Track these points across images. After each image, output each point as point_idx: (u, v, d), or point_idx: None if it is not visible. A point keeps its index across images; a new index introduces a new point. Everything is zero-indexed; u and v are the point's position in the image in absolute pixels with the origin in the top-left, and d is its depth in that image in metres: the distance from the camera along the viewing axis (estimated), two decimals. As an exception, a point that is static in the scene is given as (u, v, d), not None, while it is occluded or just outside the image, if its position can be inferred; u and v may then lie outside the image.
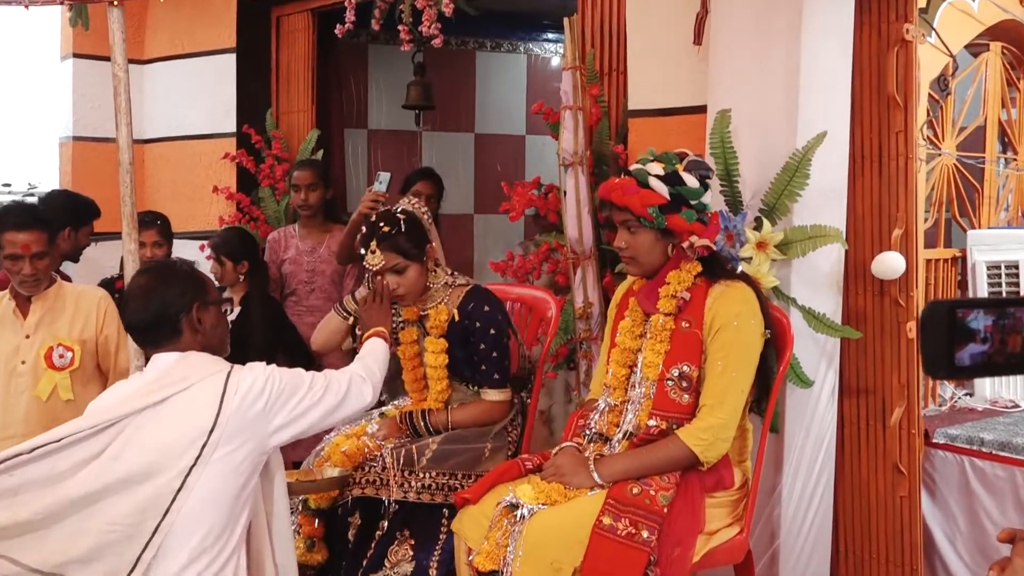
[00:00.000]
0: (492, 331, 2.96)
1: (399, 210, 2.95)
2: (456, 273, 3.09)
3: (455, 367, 3.02)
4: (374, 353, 2.60)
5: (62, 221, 3.98)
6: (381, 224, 2.88)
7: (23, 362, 3.30)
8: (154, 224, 4.15)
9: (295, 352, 3.97)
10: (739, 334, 2.44)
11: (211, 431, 2.09)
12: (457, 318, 2.97)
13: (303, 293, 4.38)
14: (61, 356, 3.31)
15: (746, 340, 2.45)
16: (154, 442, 2.08)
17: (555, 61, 6.61)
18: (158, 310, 2.23)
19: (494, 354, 2.97)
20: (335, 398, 2.31)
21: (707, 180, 2.52)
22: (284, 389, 2.21)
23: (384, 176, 3.92)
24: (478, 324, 2.96)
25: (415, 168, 4.76)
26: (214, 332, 2.32)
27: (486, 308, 2.98)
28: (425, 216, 2.99)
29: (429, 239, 2.97)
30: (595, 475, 2.44)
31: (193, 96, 5.22)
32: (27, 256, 3.25)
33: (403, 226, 2.88)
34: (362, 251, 2.90)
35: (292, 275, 4.40)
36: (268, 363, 2.27)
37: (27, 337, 3.32)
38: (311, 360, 3.85)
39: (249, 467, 2.15)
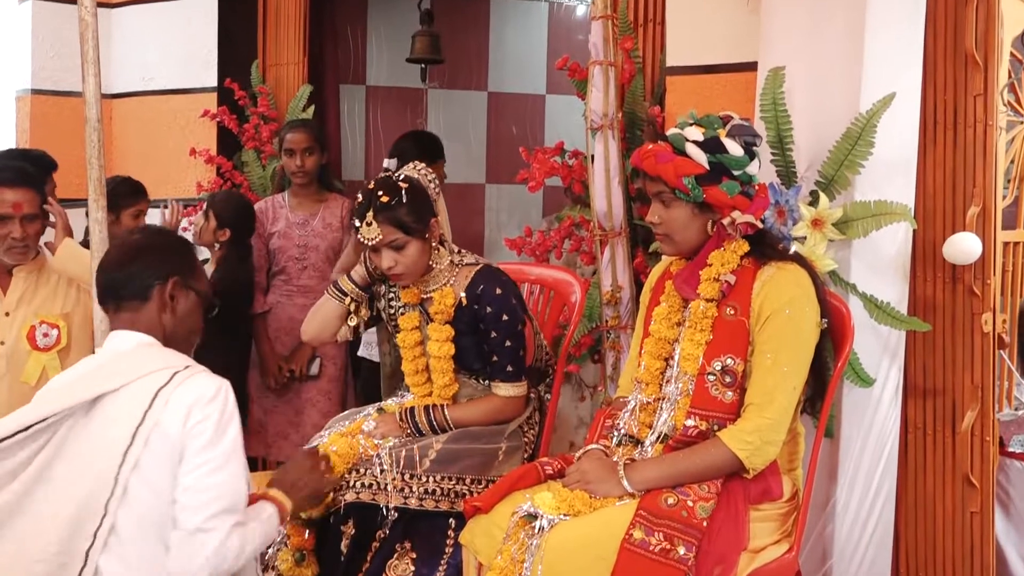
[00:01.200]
0: (505, 317, 2.95)
1: (401, 177, 2.92)
2: (463, 251, 3.07)
3: (462, 358, 3.01)
4: (259, 520, 2.29)
5: None
6: (380, 193, 2.85)
7: (1, 343, 3.30)
8: (139, 194, 4.16)
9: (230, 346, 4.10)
10: (792, 323, 2.42)
11: (126, 452, 2.05)
12: (465, 302, 2.96)
13: (294, 271, 4.39)
14: (45, 335, 3.31)
15: (799, 330, 2.44)
16: (80, 457, 2.05)
17: (581, 10, 6.57)
18: (134, 268, 2.27)
19: (507, 343, 2.96)
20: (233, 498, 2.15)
21: (753, 148, 2.51)
22: (216, 431, 2.11)
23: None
24: (489, 309, 2.94)
25: (420, 130, 4.75)
26: (183, 320, 2.32)
27: (498, 291, 2.96)
28: (432, 186, 2.96)
29: (434, 212, 2.95)
30: (624, 482, 2.43)
31: (168, 45, 5.20)
32: (18, 217, 3.22)
33: (404, 196, 2.84)
34: (356, 222, 2.88)
35: (281, 251, 4.41)
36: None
37: (6, 315, 3.31)
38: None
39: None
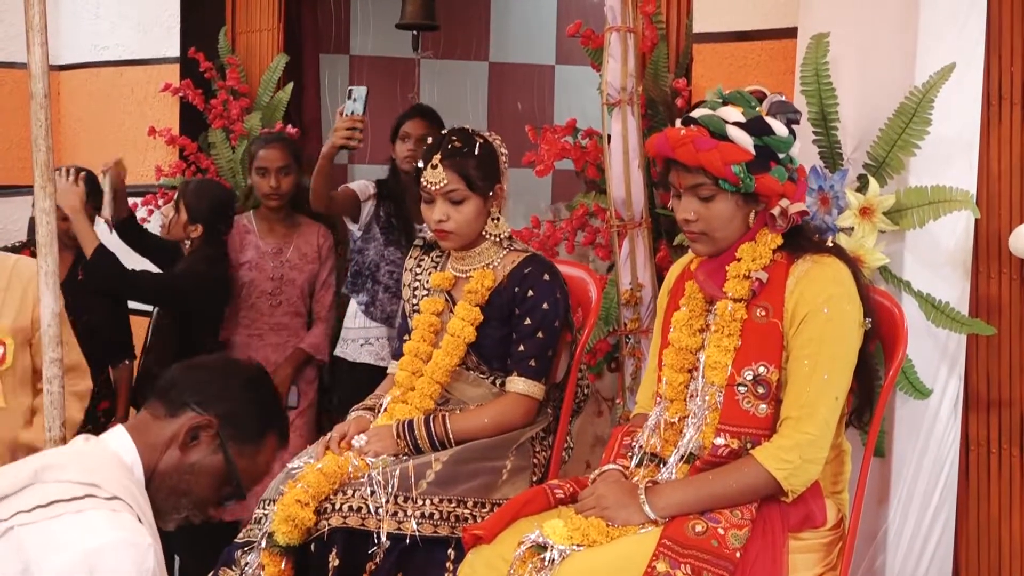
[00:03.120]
0: (545, 306, 3.03)
1: (476, 131, 3.08)
2: (516, 239, 3.18)
3: (482, 349, 3.07)
4: None
5: None
6: (453, 138, 3.01)
7: None
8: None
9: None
10: (831, 324, 2.43)
11: None
12: (505, 283, 3.05)
13: (265, 308, 4.46)
14: None
15: (840, 332, 2.44)
16: None
17: (596, -31, 6.57)
18: (196, 375, 2.14)
19: (540, 334, 3.03)
20: None
21: (794, 126, 2.52)
22: None
23: (359, 92, 3.91)
24: (530, 293, 3.03)
25: (411, 105, 4.76)
26: (185, 473, 2.09)
27: (545, 277, 3.06)
28: (504, 156, 3.10)
29: (501, 181, 3.07)
30: (646, 507, 2.44)
31: (124, 9, 5.21)
32: None
33: (478, 149, 3.00)
34: (419, 165, 3.01)
35: (253, 285, 4.46)
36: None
37: None
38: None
39: None
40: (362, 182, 4.46)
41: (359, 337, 4.47)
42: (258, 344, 4.43)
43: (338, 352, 4.52)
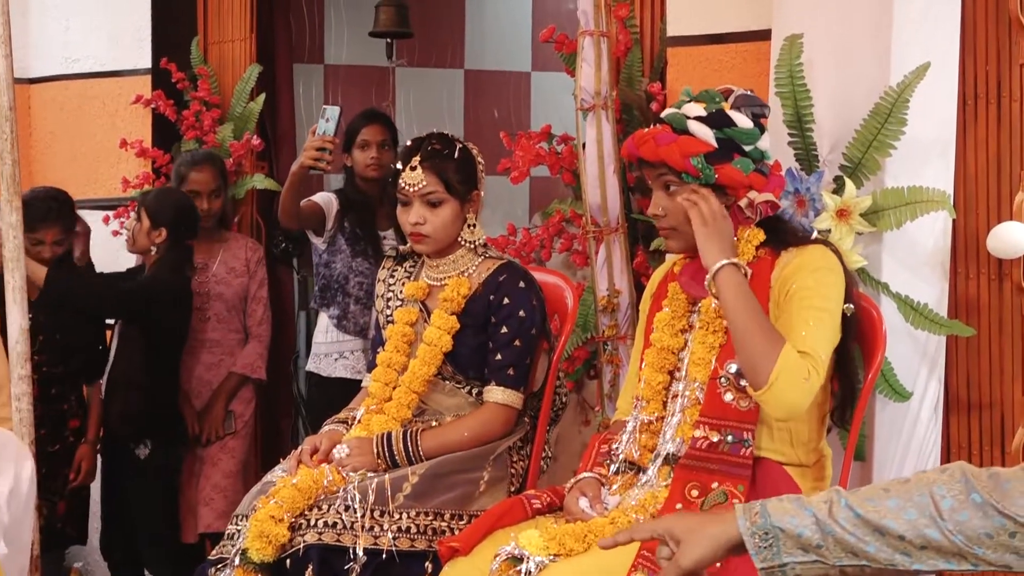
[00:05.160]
0: (521, 313, 3.02)
1: (455, 136, 3.09)
2: (492, 247, 3.19)
3: (458, 358, 3.04)
4: None
5: None
6: (433, 141, 3.02)
7: None
8: (58, 218, 4.09)
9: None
10: (819, 286, 2.42)
11: None
12: (480, 291, 3.04)
13: (195, 324, 4.41)
14: None
15: (827, 293, 2.43)
16: None
17: (571, -26, 6.57)
18: None
19: (516, 342, 3.01)
20: None
21: (761, 120, 2.52)
22: None
23: (332, 112, 3.92)
24: (506, 300, 3.02)
25: (363, 111, 4.72)
26: None
27: (521, 284, 3.05)
28: (481, 165, 3.11)
29: (478, 187, 3.08)
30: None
31: (94, 21, 5.15)
32: None
33: (457, 153, 3.01)
34: (397, 166, 3.01)
35: None
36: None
37: None
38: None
39: None
40: (326, 195, 4.42)
41: (332, 351, 4.45)
42: (191, 363, 4.39)
43: (310, 367, 4.50)
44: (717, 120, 2.47)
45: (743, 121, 2.47)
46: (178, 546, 4.33)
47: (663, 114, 2.54)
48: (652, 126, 2.54)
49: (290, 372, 5.22)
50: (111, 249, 4.78)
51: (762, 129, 2.51)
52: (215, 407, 4.42)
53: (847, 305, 2.46)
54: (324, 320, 4.43)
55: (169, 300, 4.13)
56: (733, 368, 2.44)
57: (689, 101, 2.53)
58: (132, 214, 4.24)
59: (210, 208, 4.42)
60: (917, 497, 1.59)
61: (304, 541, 2.79)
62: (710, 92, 2.52)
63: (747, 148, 2.47)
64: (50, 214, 4.02)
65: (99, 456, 4.28)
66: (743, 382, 2.41)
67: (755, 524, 1.68)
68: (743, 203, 2.48)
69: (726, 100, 2.51)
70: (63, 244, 4.11)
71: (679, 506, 2.41)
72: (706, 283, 2.42)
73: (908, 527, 1.58)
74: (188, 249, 4.26)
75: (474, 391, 3.07)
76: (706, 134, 2.45)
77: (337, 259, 4.35)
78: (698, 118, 2.47)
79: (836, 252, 2.53)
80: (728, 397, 2.45)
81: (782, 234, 2.53)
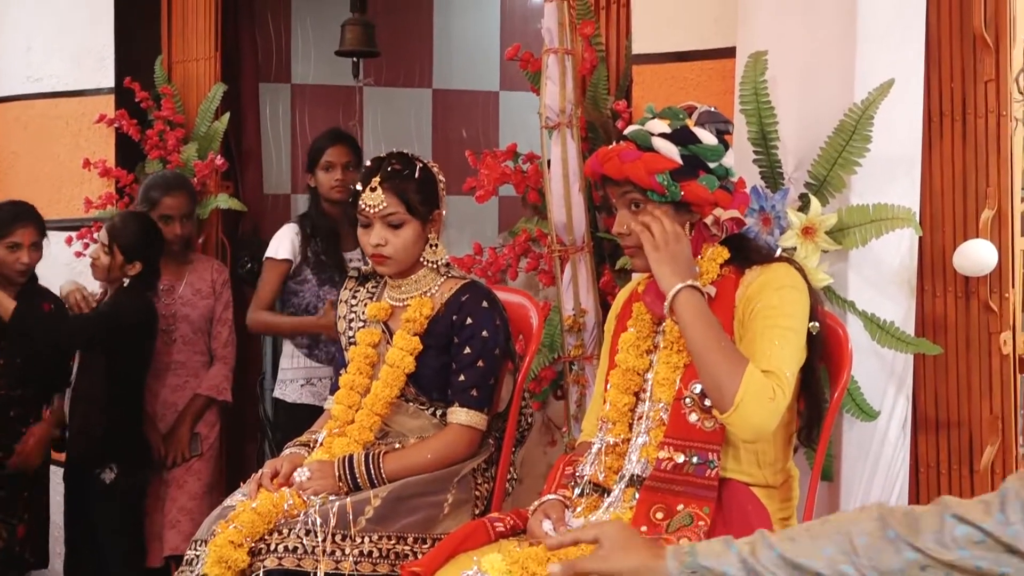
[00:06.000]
0: (484, 333, 3.00)
1: (415, 155, 3.08)
2: (454, 266, 3.17)
3: (421, 379, 3.02)
4: None
5: None
6: (393, 161, 3.01)
7: None
8: (32, 218, 4.11)
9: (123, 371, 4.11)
10: (784, 301, 2.40)
11: None
12: (443, 312, 3.02)
13: (161, 346, 4.39)
14: None
15: (793, 308, 2.41)
16: None
17: (539, -7, 6.57)
18: None
19: (480, 363, 2.99)
20: None
21: (726, 137, 2.52)
22: None
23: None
24: (469, 320, 3.00)
25: (326, 131, 4.72)
26: None
27: (484, 304, 3.03)
28: (442, 184, 3.10)
29: (440, 206, 3.08)
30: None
31: (57, 40, 5.13)
32: None
33: (418, 172, 3.00)
34: (357, 187, 3.00)
35: None
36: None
37: None
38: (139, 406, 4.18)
39: None
40: (287, 236, 4.40)
41: (299, 377, 4.43)
42: (156, 385, 4.37)
43: (276, 394, 4.46)
44: (681, 137, 2.46)
45: (708, 138, 2.46)
46: (144, 570, 4.29)
47: (626, 131, 2.53)
48: (616, 143, 2.52)
49: (256, 393, 5.19)
50: (74, 271, 4.76)
51: (726, 146, 2.50)
52: (180, 429, 4.39)
53: (812, 324, 2.45)
54: (289, 346, 4.40)
55: (134, 326, 4.09)
56: (698, 388, 2.42)
57: (653, 118, 2.51)
58: (96, 243, 4.19)
59: (182, 232, 4.41)
60: (835, 536, 1.66)
61: (264, 566, 2.76)
62: (673, 109, 2.52)
63: (712, 165, 2.46)
64: (22, 215, 4.06)
65: (63, 480, 4.24)
66: (708, 402, 2.39)
67: (683, 563, 1.75)
68: (709, 220, 2.47)
69: (690, 117, 2.51)
70: (39, 249, 4.11)
71: (644, 528, 2.38)
72: (664, 309, 2.40)
73: (825, 564, 1.65)
74: (155, 272, 4.23)
75: (438, 412, 3.04)
76: (671, 151, 2.44)
77: (304, 288, 4.34)
78: (662, 135, 2.46)
79: (800, 270, 2.52)
80: (693, 418, 2.42)
81: (746, 252, 2.52)
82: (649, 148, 2.45)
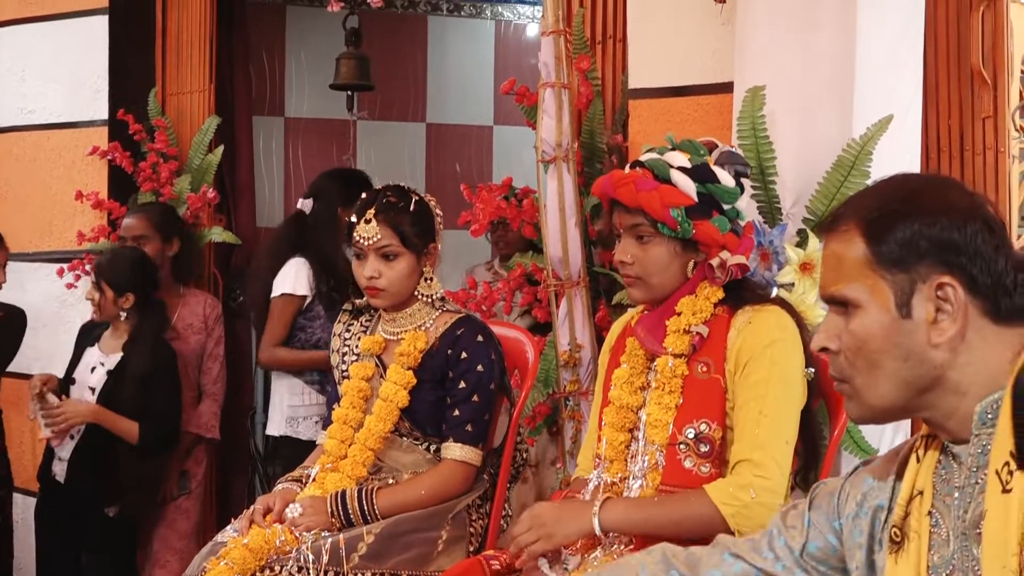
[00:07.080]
0: (479, 368, 2.97)
1: (411, 188, 3.06)
2: (449, 300, 3.14)
3: (415, 414, 2.99)
4: None
5: None
6: (388, 194, 3.00)
7: None
8: None
9: (159, 423, 4.09)
10: (776, 368, 2.38)
11: None
12: (437, 346, 2.99)
13: None
14: None
15: (785, 376, 2.39)
16: None
17: (532, 29, 6.60)
18: None
19: (475, 398, 2.96)
20: None
21: (743, 180, 2.50)
22: None
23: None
24: (464, 355, 2.97)
25: (346, 167, 4.74)
26: None
27: (479, 338, 3.00)
28: (439, 218, 3.08)
29: (435, 239, 3.05)
30: (595, 520, 2.34)
31: (51, 72, 5.14)
32: None
33: (413, 205, 2.98)
34: (353, 218, 2.97)
35: None
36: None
37: None
38: (175, 439, 4.12)
39: None
40: (302, 272, 4.33)
41: (312, 414, 4.37)
42: None
43: (286, 432, 4.40)
44: (701, 174, 2.43)
45: (726, 179, 2.44)
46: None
47: (643, 158, 2.49)
48: (631, 169, 2.49)
49: (246, 429, 5.15)
50: (67, 303, 4.75)
51: (743, 188, 2.48)
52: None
53: (807, 370, 2.43)
54: (298, 383, 4.35)
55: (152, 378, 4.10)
56: (691, 433, 2.39)
57: (672, 149, 2.48)
58: (90, 283, 4.16)
59: (151, 256, 4.35)
60: (624, 574, 1.85)
61: (255, 604, 2.73)
62: (694, 143, 2.49)
63: (726, 207, 2.44)
64: None
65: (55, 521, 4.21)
66: (703, 448, 2.38)
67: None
68: (715, 263, 2.43)
69: (710, 154, 2.48)
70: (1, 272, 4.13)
71: None
72: (597, 533, 2.38)
73: None
74: (160, 306, 4.20)
75: (432, 448, 3.01)
76: (688, 186, 2.41)
77: (315, 324, 4.30)
78: (681, 168, 2.43)
79: (792, 311, 2.49)
80: (688, 464, 2.40)
81: (741, 291, 2.49)
82: (667, 180, 2.42)
